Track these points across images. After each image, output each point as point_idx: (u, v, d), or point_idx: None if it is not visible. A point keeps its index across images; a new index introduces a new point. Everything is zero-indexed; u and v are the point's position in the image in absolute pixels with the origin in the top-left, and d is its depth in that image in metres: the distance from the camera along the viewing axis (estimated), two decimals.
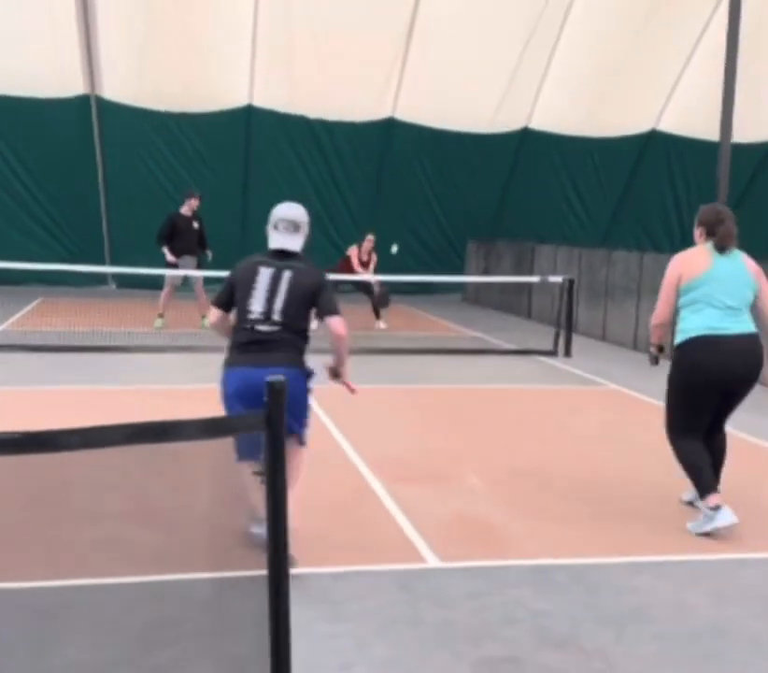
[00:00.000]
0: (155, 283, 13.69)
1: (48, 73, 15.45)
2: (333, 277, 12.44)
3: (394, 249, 13.63)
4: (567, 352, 11.13)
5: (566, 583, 4.15)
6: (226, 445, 1.75)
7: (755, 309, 5.06)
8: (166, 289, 12.21)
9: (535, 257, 15.26)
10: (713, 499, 4.87)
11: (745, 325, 4.98)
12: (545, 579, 4.20)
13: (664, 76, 17.96)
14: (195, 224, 12.33)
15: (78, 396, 7.73)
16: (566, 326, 11.35)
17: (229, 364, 4.40)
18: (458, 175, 18.05)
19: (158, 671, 3.16)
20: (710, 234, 5.09)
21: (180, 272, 11.98)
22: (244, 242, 16.73)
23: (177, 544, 3.71)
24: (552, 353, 10.95)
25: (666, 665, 3.41)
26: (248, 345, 4.37)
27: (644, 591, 4.10)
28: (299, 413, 4.44)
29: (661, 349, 5.46)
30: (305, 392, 4.54)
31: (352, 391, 4.86)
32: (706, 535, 4.82)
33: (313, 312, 4.52)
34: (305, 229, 4.63)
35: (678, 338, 5.07)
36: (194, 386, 8.08)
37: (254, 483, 3.91)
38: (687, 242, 19.33)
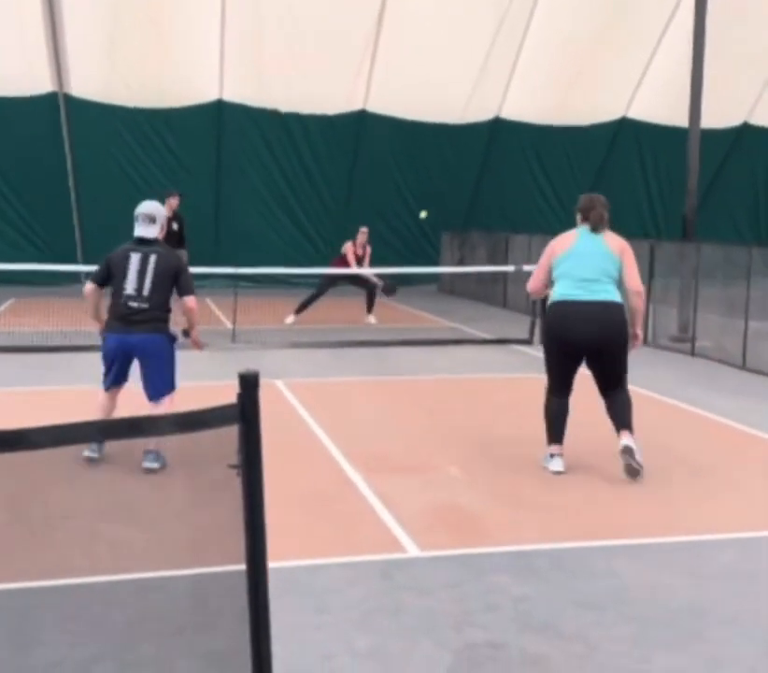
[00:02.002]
0: None
1: (14, 71, 15.32)
2: (329, 272, 12.53)
3: (423, 214, 13.61)
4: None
5: (545, 569, 4.20)
6: (199, 439, 1.76)
7: (621, 285, 5.78)
8: None
9: (510, 247, 15.31)
10: (555, 449, 5.82)
11: (597, 294, 5.63)
12: (524, 565, 4.24)
13: (634, 63, 18.05)
14: (175, 225, 12.28)
15: (57, 397, 7.70)
16: (541, 313, 11.40)
17: (110, 329, 5.64)
18: (431, 166, 18.07)
19: (139, 668, 3.16)
20: (585, 218, 5.84)
21: None
22: (217, 237, 16.74)
23: (155, 540, 3.71)
24: (528, 342, 11.01)
25: (646, 646, 3.46)
26: (124, 316, 5.56)
27: (622, 574, 4.15)
28: (162, 367, 5.62)
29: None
30: (167, 350, 5.65)
31: (199, 347, 6.10)
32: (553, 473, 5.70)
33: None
34: (160, 221, 5.74)
35: (548, 304, 5.91)
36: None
37: (107, 409, 5.60)
38: (659, 228, 19.50)
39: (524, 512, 5.01)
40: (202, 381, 7.55)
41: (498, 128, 18.20)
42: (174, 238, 12.26)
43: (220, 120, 16.75)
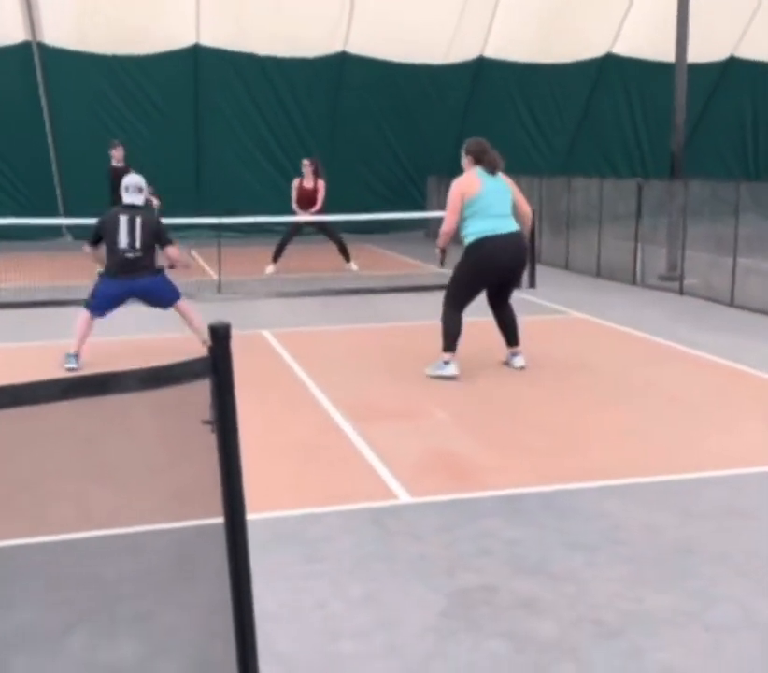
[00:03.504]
0: None
1: None
2: (305, 219, 12.37)
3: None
4: (531, 283, 11.13)
5: (537, 511, 4.20)
6: (171, 394, 1.70)
7: (516, 214, 6.80)
8: None
9: None
10: (448, 356, 6.73)
11: (511, 226, 6.68)
12: (515, 508, 4.24)
13: None
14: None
15: (40, 353, 7.64)
16: (530, 257, 11.31)
17: (112, 276, 7.11)
18: (415, 109, 17.75)
19: (120, 626, 3.16)
20: (478, 161, 6.69)
21: None
22: (199, 183, 16.51)
23: (130, 497, 3.69)
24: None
25: (638, 585, 3.47)
26: (123, 266, 7.07)
27: (613, 514, 4.16)
28: (165, 293, 7.27)
29: (443, 251, 7.22)
30: (163, 281, 7.23)
31: (187, 267, 7.85)
32: (441, 378, 6.61)
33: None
34: (145, 191, 7.28)
35: (469, 240, 6.67)
36: (160, 335, 8.02)
37: (88, 328, 7.08)
38: (646, 165, 19.37)
39: (515, 455, 5.01)
40: (186, 333, 7.49)
41: (482, 68, 17.84)
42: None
43: (197, 65, 16.38)
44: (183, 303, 7.40)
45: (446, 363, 6.71)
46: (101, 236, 7.16)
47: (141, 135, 15.98)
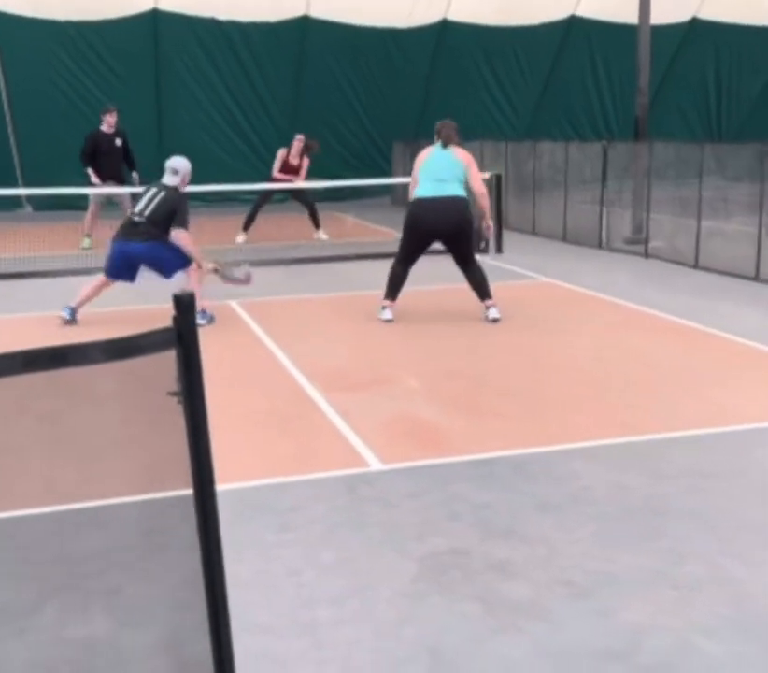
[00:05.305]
0: (75, 203, 13.27)
1: None
2: (274, 187, 12.23)
3: None
4: (499, 249, 11.13)
5: (506, 475, 4.23)
6: (136, 365, 1.68)
7: (468, 188, 7.40)
8: (91, 207, 11.86)
9: None
10: (388, 303, 7.52)
11: (446, 192, 7.25)
12: (485, 472, 4.27)
13: None
14: (118, 142, 11.90)
15: (4, 326, 7.54)
16: (496, 222, 11.30)
17: (115, 237, 7.48)
18: (378, 73, 17.53)
19: (90, 601, 3.16)
20: (438, 136, 7.50)
21: (103, 190, 11.61)
22: (160, 153, 16.21)
23: (97, 471, 3.67)
24: (484, 251, 10.89)
25: (608, 545, 3.51)
26: (124, 227, 7.45)
27: (581, 476, 4.20)
28: (164, 262, 7.40)
29: None
30: (160, 249, 7.33)
31: (200, 267, 7.61)
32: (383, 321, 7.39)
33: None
34: (182, 173, 7.55)
35: (411, 199, 7.48)
36: (127, 307, 7.93)
37: (97, 287, 7.51)
38: (610, 128, 19.33)
39: (484, 420, 5.04)
40: (150, 304, 7.42)
41: (446, 31, 17.63)
42: (119, 155, 11.92)
43: (156, 30, 16.02)
44: (185, 277, 7.48)
45: (383, 308, 7.49)
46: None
47: (100, 102, 15.59)
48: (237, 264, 7.97)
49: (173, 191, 7.43)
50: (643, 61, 11.76)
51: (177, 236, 7.30)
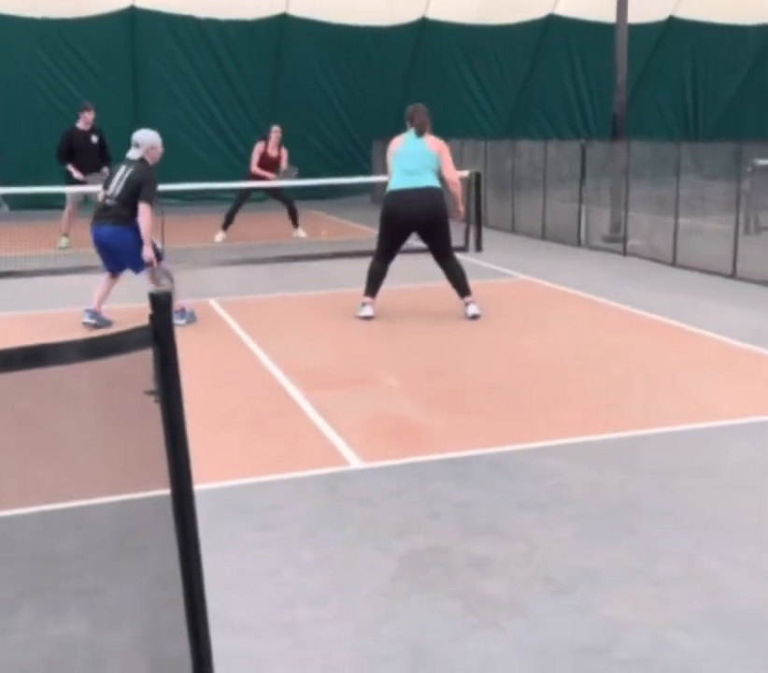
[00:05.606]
0: (53, 203, 13.17)
1: None
2: (252, 186, 12.18)
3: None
4: (478, 247, 11.16)
5: (486, 473, 4.24)
6: (113, 365, 1.67)
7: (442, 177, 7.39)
8: (69, 207, 11.78)
9: None
10: (368, 300, 7.49)
11: (419, 183, 7.24)
12: (465, 470, 4.28)
13: None
14: (94, 139, 11.83)
15: None
16: (476, 221, 11.34)
17: (91, 222, 7.29)
18: (358, 72, 17.52)
19: (68, 601, 3.14)
20: (411, 123, 7.44)
21: (80, 189, 11.53)
22: None
23: (74, 471, 3.65)
24: (463, 249, 10.94)
25: (586, 542, 3.53)
26: (97, 211, 7.29)
27: (560, 474, 4.22)
28: (129, 253, 7.12)
29: None
30: (128, 237, 7.07)
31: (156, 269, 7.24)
32: (362, 318, 7.42)
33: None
34: (143, 146, 7.21)
35: (385, 192, 7.49)
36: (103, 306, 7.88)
37: (106, 287, 7.31)
38: (588, 127, 19.39)
39: (463, 418, 5.05)
40: (128, 304, 7.38)
41: (425, 29, 17.64)
42: (94, 153, 11.84)
43: (134, 28, 15.95)
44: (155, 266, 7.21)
45: (363, 305, 7.47)
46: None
47: (77, 99, 15.49)
48: (170, 278, 7.32)
49: (139, 164, 7.20)
50: (620, 59, 11.81)
51: (143, 210, 7.04)
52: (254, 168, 12.38)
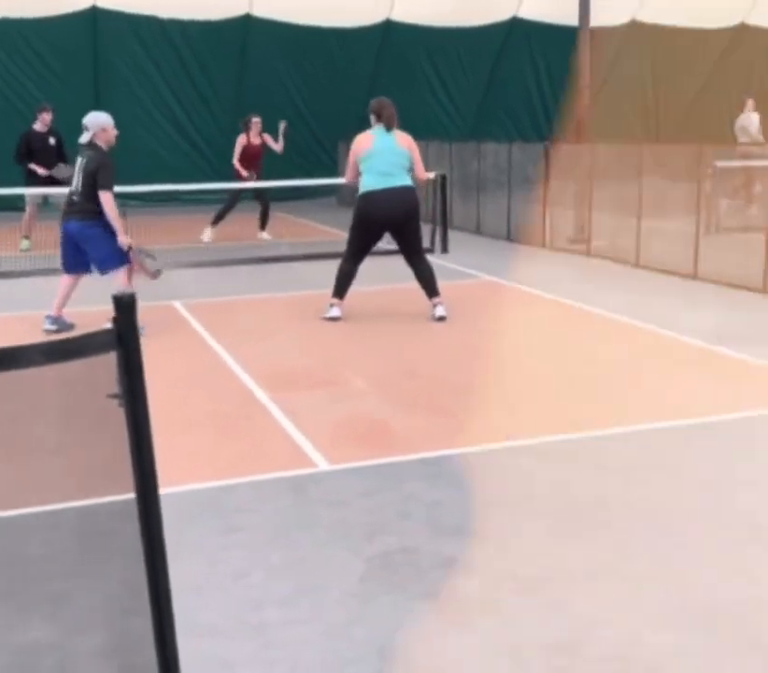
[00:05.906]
0: (13, 204, 13.00)
1: None
2: (232, 187, 12.12)
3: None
4: (444, 248, 11.18)
5: (457, 473, 4.24)
6: (77, 368, 1.64)
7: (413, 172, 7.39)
8: (29, 209, 11.64)
9: None
10: (336, 301, 7.44)
11: (394, 183, 7.18)
12: (435, 471, 4.27)
13: None
14: (52, 141, 11.69)
15: None
16: (442, 222, 11.35)
17: (61, 217, 7.13)
18: (322, 73, 17.48)
19: (34, 606, 3.09)
20: (379, 118, 7.29)
21: (40, 190, 11.39)
22: None
23: (38, 475, 3.60)
24: (429, 250, 10.94)
25: (557, 540, 3.54)
26: (66, 207, 7.05)
27: (530, 472, 4.22)
28: (97, 249, 6.92)
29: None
30: (96, 233, 6.87)
31: (149, 274, 7.22)
32: (330, 319, 7.37)
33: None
34: (92, 129, 6.92)
35: (359, 193, 7.35)
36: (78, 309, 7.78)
37: (66, 291, 7.07)
38: (552, 129, 19.45)
39: (432, 419, 5.04)
40: (91, 306, 7.29)
41: (389, 31, 17.64)
42: (52, 154, 11.71)
43: (95, 27, 15.79)
44: (121, 277, 7.00)
45: (331, 306, 7.43)
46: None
47: (37, 100, 15.28)
48: (153, 258, 7.26)
49: (91, 151, 6.90)
50: (583, 62, 11.89)
51: (104, 198, 6.76)
52: (236, 162, 12.32)
